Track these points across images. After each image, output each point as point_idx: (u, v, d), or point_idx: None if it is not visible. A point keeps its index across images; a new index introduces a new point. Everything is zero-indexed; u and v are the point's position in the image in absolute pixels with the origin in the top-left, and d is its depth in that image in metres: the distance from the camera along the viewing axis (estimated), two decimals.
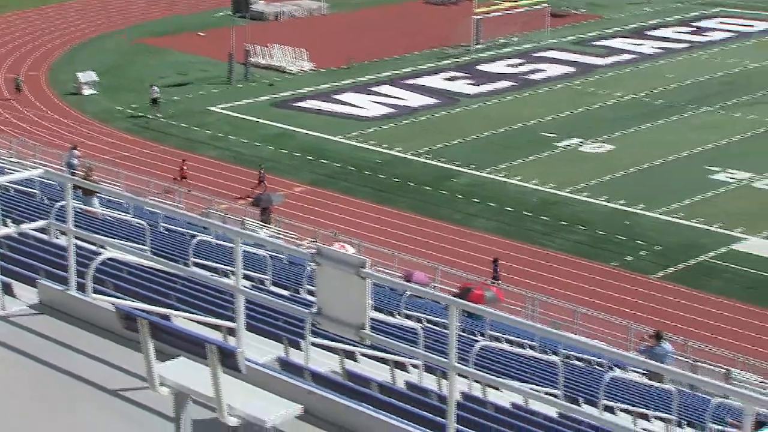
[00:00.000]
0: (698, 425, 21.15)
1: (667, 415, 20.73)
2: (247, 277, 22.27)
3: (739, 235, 50.71)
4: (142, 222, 24.54)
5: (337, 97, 73.04)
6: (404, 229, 50.40)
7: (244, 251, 24.08)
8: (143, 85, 70.90)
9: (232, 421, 7.92)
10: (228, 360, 7.92)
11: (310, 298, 20.53)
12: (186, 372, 8.19)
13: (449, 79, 77.30)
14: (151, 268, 17.11)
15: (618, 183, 57.02)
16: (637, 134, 64.95)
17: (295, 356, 13.98)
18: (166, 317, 12.04)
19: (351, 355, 15.45)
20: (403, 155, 61.50)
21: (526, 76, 77.94)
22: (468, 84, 76.12)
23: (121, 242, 20.08)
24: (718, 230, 51.19)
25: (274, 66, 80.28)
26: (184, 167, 54.50)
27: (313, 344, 14.50)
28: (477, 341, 20.66)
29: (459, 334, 24.16)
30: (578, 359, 27.88)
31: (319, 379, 11.08)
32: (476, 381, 15.68)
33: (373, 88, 74.79)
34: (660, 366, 15.66)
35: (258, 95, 73.78)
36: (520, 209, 53.75)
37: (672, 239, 50.30)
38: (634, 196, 55.04)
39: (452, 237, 49.87)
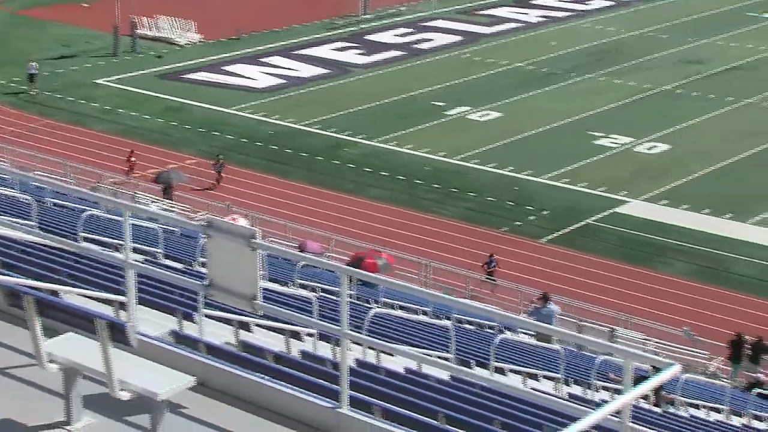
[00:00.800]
0: (584, 382, 21.41)
1: (554, 374, 20.99)
2: (139, 251, 22.04)
3: (621, 198, 51.36)
4: (29, 197, 24.12)
5: (227, 68, 72.02)
6: (298, 199, 50.15)
7: (136, 225, 23.83)
8: (25, 58, 69.33)
9: (124, 396, 7.78)
10: (118, 334, 7.77)
11: (203, 270, 20.35)
12: (75, 348, 8.03)
13: (339, 50, 76.72)
14: (41, 244, 16.83)
15: (506, 150, 57.29)
16: (523, 101, 65.30)
17: (190, 329, 13.85)
18: (55, 293, 11.77)
19: (246, 326, 15.36)
20: (295, 126, 61.12)
21: (415, 46, 77.71)
22: (358, 54, 75.70)
23: (7, 218, 19.69)
24: (602, 194, 51.80)
25: (161, 38, 78.55)
26: (132, 158, 52.59)
27: (208, 316, 14.37)
28: (371, 308, 20.64)
29: (353, 302, 24.27)
30: (470, 323, 28.07)
31: (213, 350, 10.96)
32: (370, 347, 15.65)
33: (263, 59, 73.86)
34: (547, 327, 15.79)
35: (146, 67, 72.43)
36: (412, 178, 53.75)
37: (558, 204, 50.78)
38: (522, 162, 55.37)
39: (345, 206, 49.74)
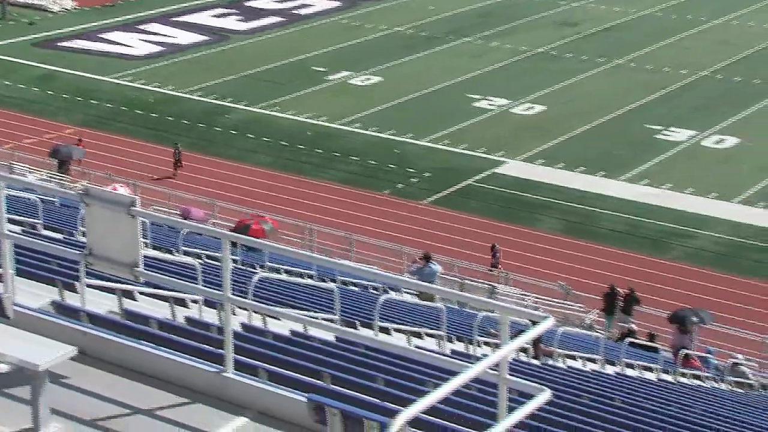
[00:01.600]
0: (466, 338, 21.57)
1: (437, 332, 21.12)
2: (17, 223, 21.65)
3: (499, 159, 51.81)
4: None
5: (104, 36, 71.06)
6: (182, 167, 49.74)
7: (14, 196, 23.38)
8: None
9: (3, 368, 7.63)
10: None
11: (84, 240, 20.06)
12: None
13: (218, 16, 76.08)
14: None
15: (387, 114, 57.38)
16: (402, 66, 65.39)
17: (71, 299, 13.64)
18: None
19: (130, 295, 15.18)
20: (176, 93, 60.63)
21: (294, 12, 77.25)
22: (237, 20, 75.16)
23: None
24: (481, 155, 52.19)
25: (33, 4, 76.90)
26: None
27: (90, 286, 14.16)
28: (255, 273, 20.55)
29: (238, 268, 24.16)
30: (354, 285, 28.10)
31: (96, 320, 10.80)
32: (255, 312, 15.58)
33: (140, 27, 72.95)
34: (429, 286, 15.89)
35: (18, 35, 71.09)
36: (295, 143, 53.60)
37: (440, 166, 51.02)
38: (403, 125, 55.52)
39: (229, 173, 49.49)
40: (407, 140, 53.94)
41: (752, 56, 67.36)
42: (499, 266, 41.46)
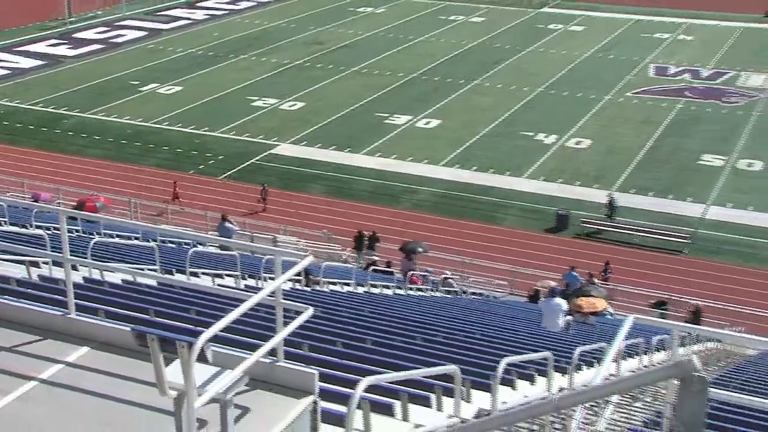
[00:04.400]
0: (256, 276, 21.53)
1: (234, 273, 21.05)
2: None
3: (274, 143, 51.62)
4: None
5: None
6: (31, 162, 47.76)
7: None
8: None
9: None
10: None
11: None
12: None
13: (52, 46, 72.80)
14: None
15: (188, 114, 56.33)
16: (197, 77, 64.19)
17: None
18: None
19: None
20: (22, 105, 58.05)
21: (112, 40, 74.89)
22: (67, 48, 72.09)
23: None
24: (260, 141, 51.86)
25: None
26: (177, 189, 43.84)
27: None
28: (92, 238, 19.98)
29: (80, 236, 23.39)
30: (171, 242, 27.67)
31: None
32: (94, 267, 15.16)
33: None
34: (227, 240, 15.70)
35: None
36: (118, 139, 52.14)
37: (231, 150, 50.48)
38: (201, 122, 54.75)
39: (70, 164, 47.84)
40: (205, 133, 53.16)
41: (444, 62, 68.84)
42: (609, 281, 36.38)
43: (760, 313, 33.84)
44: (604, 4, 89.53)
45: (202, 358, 5.88)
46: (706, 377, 3.23)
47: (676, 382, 3.38)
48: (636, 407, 12.59)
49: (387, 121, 55.28)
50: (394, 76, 64.84)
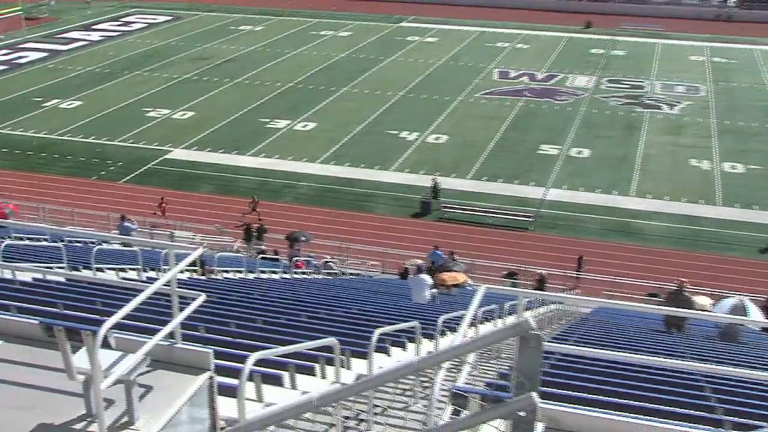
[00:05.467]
0: (156, 269, 21.08)
1: (137, 266, 20.60)
2: None
3: (168, 149, 50.60)
4: None
5: None
6: None
7: None
8: None
9: None
10: None
11: None
12: None
13: None
14: None
15: (90, 125, 54.67)
16: (96, 92, 62.35)
17: None
18: None
19: None
20: None
21: (15, 61, 72.09)
22: None
23: None
24: (156, 147, 50.77)
25: None
26: (164, 204, 41.90)
27: None
28: (4, 241, 19.22)
29: None
30: (78, 242, 26.87)
31: None
32: (5, 268, 14.61)
33: None
34: (128, 238, 15.34)
35: None
36: (25, 150, 50.27)
37: (129, 157, 49.24)
38: (100, 132, 53.26)
39: None
40: (105, 142, 51.69)
41: (317, 72, 68.68)
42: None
43: (592, 277, 34.98)
44: (454, 18, 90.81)
45: (106, 344, 5.80)
46: (540, 335, 3.33)
47: (515, 340, 3.46)
48: (492, 364, 12.88)
49: (268, 126, 54.83)
50: (273, 85, 64.33)
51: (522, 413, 3.30)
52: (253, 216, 41.12)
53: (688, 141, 53.11)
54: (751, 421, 7.93)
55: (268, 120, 56.01)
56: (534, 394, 3.29)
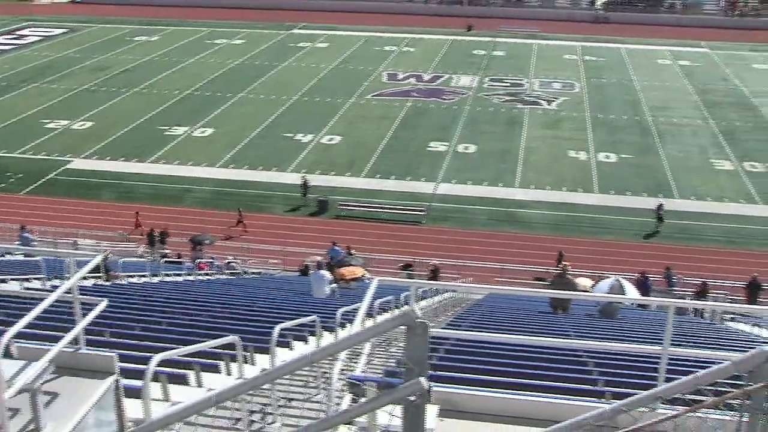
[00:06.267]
0: (60, 277, 20.45)
1: (40, 276, 19.88)
2: None
3: (68, 159, 49.09)
4: None
5: None
6: None
7: None
8: None
9: None
10: None
11: None
12: None
13: None
14: None
15: None
16: None
17: None
18: None
19: None
20: None
21: None
22: None
23: None
24: (56, 158, 49.18)
25: None
26: (138, 218, 40.00)
27: None
28: None
29: None
30: None
31: None
32: None
33: None
34: (29, 248, 14.86)
35: None
36: None
37: (29, 168, 47.55)
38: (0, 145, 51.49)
39: None
40: (4, 155, 49.79)
41: (213, 79, 67.81)
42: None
43: (482, 266, 35.60)
44: (343, 24, 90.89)
45: (7, 354, 5.60)
46: (426, 323, 3.37)
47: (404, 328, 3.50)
48: (392, 353, 12.98)
49: (167, 133, 53.79)
50: (171, 93, 63.13)
51: (412, 398, 3.34)
52: (238, 228, 39.95)
53: (566, 134, 54.57)
54: (629, 390, 8.22)
55: (167, 127, 54.94)
56: (423, 379, 3.33)
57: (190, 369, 8.92)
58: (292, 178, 46.16)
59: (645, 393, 3.42)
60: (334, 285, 23.61)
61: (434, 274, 32.53)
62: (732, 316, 25.62)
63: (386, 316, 17.31)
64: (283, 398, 9.12)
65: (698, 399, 3.42)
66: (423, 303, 19.63)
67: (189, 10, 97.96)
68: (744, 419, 3.42)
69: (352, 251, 34.12)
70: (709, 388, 3.39)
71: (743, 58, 79.12)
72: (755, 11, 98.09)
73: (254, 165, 48.02)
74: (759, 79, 70.79)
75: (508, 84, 67.56)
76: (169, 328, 12.01)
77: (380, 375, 7.89)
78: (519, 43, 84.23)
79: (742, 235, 40.38)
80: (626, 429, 3.47)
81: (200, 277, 26.92)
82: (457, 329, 14.48)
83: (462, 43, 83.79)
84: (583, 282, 27.35)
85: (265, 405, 8.62)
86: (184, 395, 8.41)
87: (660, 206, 40.80)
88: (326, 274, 23.01)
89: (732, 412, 3.44)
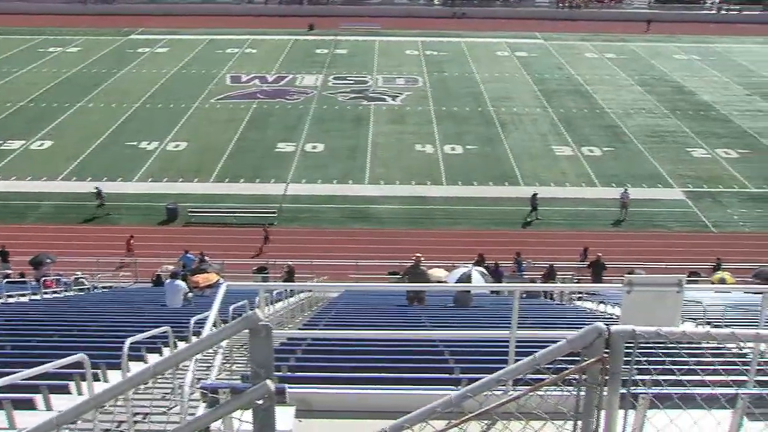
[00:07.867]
0: None
1: None
2: None
3: None
4: None
5: None
6: None
7: None
8: None
9: None
10: None
11: None
12: None
13: None
14: None
15: None
16: None
17: None
18: None
19: None
20: None
21: None
22: None
23: None
24: None
25: None
26: (131, 241, 37.22)
27: None
28: None
29: None
30: None
31: None
32: None
33: None
34: None
35: None
36: None
37: None
38: None
39: None
40: None
41: (49, 89, 65.00)
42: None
43: (337, 263, 35.75)
44: (183, 28, 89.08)
45: None
46: (269, 325, 3.37)
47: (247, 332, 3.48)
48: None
49: (2, 148, 51.14)
50: (3, 106, 60.03)
51: (260, 401, 3.33)
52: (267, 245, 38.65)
53: (412, 128, 55.58)
54: (483, 375, 8.47)
55: (1, 142, 52.23)
56: (269, 382, 3.33)
57: (37, 392, 8.53)
58: (139, 187, 44.89)
59: (488, 377, 3.55)
60: (190, 294, 23.14)
61: (290, 275, 32.43)
62: (580, 295, 26.81)
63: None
64: (138, 413, 8.88)
65: (539, 378, 3.57)
66: (279, 305, 19.54)
67: (15, 17, 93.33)
68: (582, 393, 3.58)
69: (206, 258, 33.55)
70: (549, 366, 3.54)
71: (576, 48, 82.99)
72: (583, 3, 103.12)
73: (98, 176, 46.33)
74: (591, 67, 74.46)
75: (352, 81, 68.16)
76: (13, 352, 11.46)
77: (238, 380, 7.80)
78: (361, 41, 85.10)
79: (585, 216, 42.35)
80: (473, 413, 3.58)
81: (47, 296, 25.77)
82: (313, 329, 14.50)
83: (304, 43, 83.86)
84: (438, 273, 27.96)
85: (120, 423, 8.36)
86: (31, 421, 8.04)
87: (534, 195, 42.22)
88: (181, 283, 22.52)
89: (571, 388, 3.60)
